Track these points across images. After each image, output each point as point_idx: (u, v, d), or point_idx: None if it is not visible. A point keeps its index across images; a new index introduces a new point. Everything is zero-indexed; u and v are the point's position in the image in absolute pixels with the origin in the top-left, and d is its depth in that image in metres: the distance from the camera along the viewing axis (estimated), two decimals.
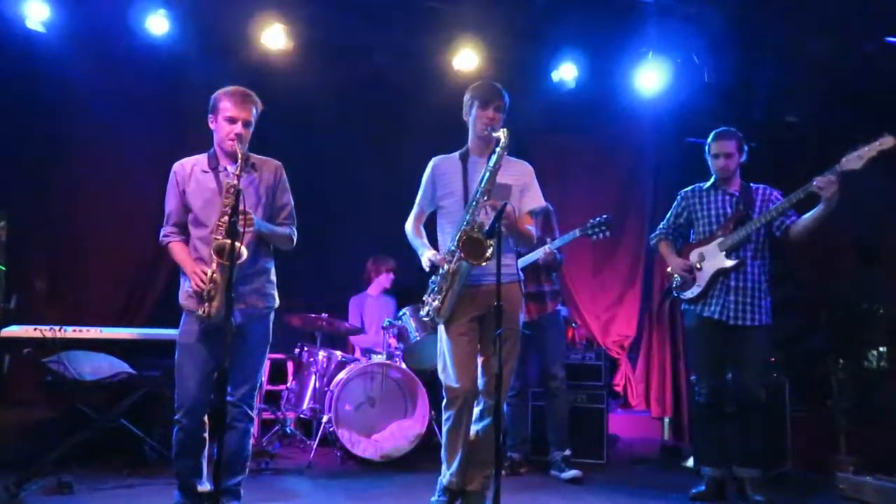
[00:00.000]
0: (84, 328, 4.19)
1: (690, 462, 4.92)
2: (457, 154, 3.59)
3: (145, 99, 5.77)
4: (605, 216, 4.45)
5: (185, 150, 5.69)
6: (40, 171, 5.53)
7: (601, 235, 4.45)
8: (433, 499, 3.54)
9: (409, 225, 3.67)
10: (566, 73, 6.06)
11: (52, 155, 5.59)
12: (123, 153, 5.68)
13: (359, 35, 5.83)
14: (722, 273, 3.96)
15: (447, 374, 3.46)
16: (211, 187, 3.20)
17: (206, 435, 3.22)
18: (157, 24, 5.38)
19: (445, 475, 3.51)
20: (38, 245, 5.44)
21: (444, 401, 3.49)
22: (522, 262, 4.54)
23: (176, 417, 3.14)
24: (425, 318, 3.52)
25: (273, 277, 3.36)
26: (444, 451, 3.54)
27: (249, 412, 3.25)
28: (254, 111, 3.24)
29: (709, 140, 4.11)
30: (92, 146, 5.64)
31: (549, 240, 4.62)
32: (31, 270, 5.35)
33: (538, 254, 4.52)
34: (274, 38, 5.58)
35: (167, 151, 5.73)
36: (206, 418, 3.20)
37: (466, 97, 3.55)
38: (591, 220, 4.44)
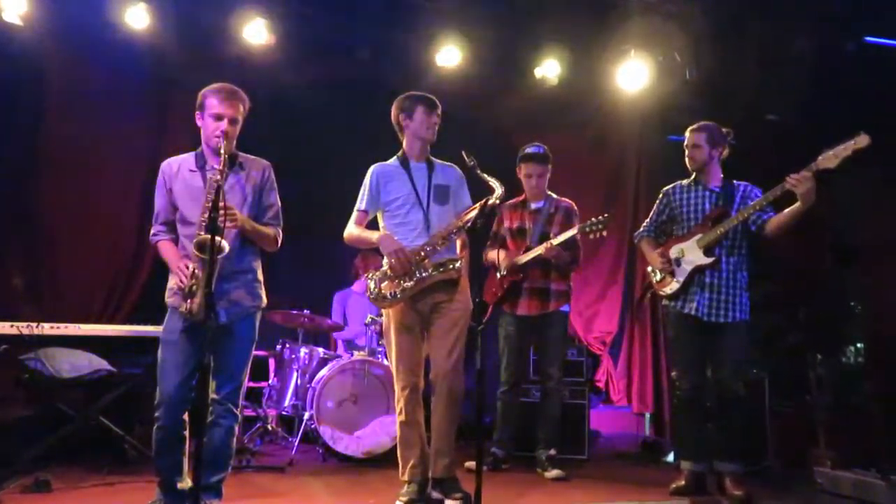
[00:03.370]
0: (62, 325, 4.14)
1: (671, 457, 4.96)
2: (395, 160, 3.82)
3: (125, 94, 5.70)
4: (605, 215, 4.42)
5: (166, 146, 5.69)
6: (18, 166, 5.44)
7: (598, 234, 4.44)
8: (401, 492, 3.59)
9: (350, 230, 3.77)
10: (549, 70, 6.07)
11: (30, 150, 5.51)
12: (103, 148, 5.62)
13: (340, 30, 5.80)
14: (699, 270, 3.98)
15: (395, 370, 3.67)
16: (198, 186, 3.19)
17: (187, 433, 3.20)
18: (137, 18, 5.32)
19: (405, 471, 3.62)
20: (15, 241, 5.37)
21: (396, 396, 3.67)
22: (526, 257, 4.56)
23: (156, 415, 3.11)
24: (371, 296, 3.69)
25: (260, 276, 3.35)
26: (399, 447, 3.67)
27: (234, 410, 3.24)
28: (241, 108, 3.23)
29: None
30: (71, 141, 5.56)
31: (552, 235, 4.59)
32: (8, 267, 5.28)
33: (540, 249, 4.49)
34: (255, 32, 5.54)
35: (148, 146, 5.73)
36: (186, 416, 3.17)
37: (405, 102, 3.74)
38: (593, 219, 4.41)
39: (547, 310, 4.62)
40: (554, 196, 4.80)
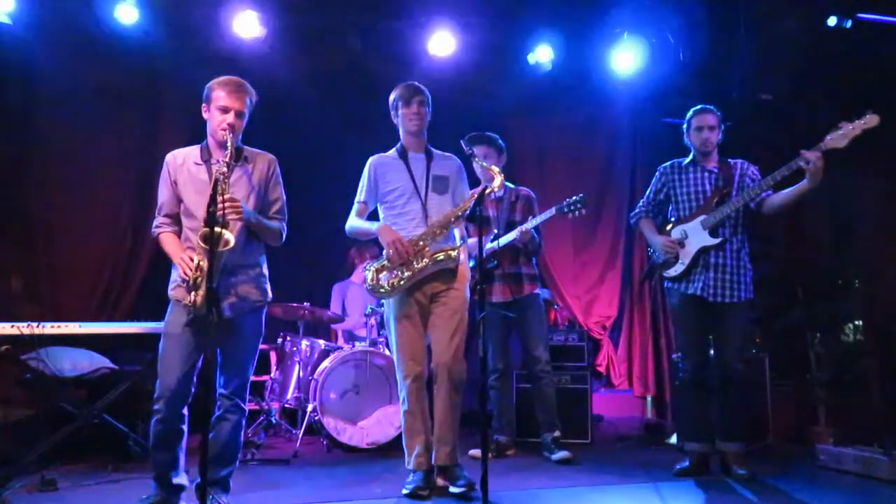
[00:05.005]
0: (62, 323, 4.12)
1: (674, 439, 4.98)
2: (394, 152, 3.83)
3: (116, 90, 5.67)
4: (581, 195, 4.46)
5: (158, 140, 5.66)
6: (11, 165, 5.42)
7: (578, 213, 4.46)
8: (407, 481, 3.61)
9: (351, 222, 3.80)
10: (542, 55, 6.04)
11: (23, 149, 5.49)
12: (96, 145, 5.60)
13: (332, 20, 5.77)
14: (705, 251, 3.98)
15: (397, 359, 3.68)
16: (202, 179, 3.15)
17: (185, 427, 3.17)
18: (127, 14, 5.28)
19: (410, 460, 3.65)
20: (12, 242, 5.35)
21: (398, 385, 3.70)
22: (504, 240, 4.56)
23: (155, 408, 3.06)
24: (368, 287, 3.72)
25: (266, 271, 3.31)
26: (404, 436, 3.71)
27: (242, 405, 3.23)
28: (247, 101, 3.20)
29: (689, 116, 4.12)
30: (64, 139, 5.55)
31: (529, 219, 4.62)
32: (6, 267, 5.26)
33: (515, 234, 4.53)
34: (246, 24, 5.50)
35: (141, 142, 5.71)
36: (185, 411, 3.14)
37: (392, 97, 3.78)
38: (567, 199, 4.46)
39: (522, 293, 4.67)
40: (510, 185, 4.80)
